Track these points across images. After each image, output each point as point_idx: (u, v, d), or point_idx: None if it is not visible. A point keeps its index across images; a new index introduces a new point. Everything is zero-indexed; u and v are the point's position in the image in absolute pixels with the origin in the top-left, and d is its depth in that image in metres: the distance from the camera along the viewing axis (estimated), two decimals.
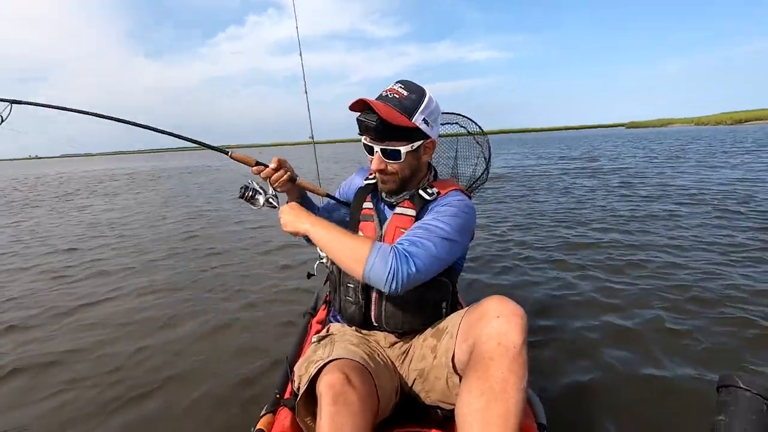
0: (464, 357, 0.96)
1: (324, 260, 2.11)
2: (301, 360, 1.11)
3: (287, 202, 1.21)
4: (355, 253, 0.98)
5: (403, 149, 1.08)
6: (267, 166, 1.21)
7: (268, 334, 2.38)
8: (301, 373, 1.03)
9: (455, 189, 1.17)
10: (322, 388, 0.88)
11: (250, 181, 1.23)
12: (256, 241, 4.73)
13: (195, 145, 1.25)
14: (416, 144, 1.09)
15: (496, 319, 0.90)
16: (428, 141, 1.12)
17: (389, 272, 0.94)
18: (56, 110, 1.17)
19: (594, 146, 22.66)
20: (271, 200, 1.23)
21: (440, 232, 1.03)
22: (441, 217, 1.06)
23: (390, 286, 0.94)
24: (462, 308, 1.11)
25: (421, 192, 1.15)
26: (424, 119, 1.08)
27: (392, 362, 1.15)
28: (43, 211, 8.08)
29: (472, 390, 0.87)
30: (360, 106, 1.07)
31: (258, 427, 1.09)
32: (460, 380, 0.98)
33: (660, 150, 15.82)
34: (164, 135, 1.20)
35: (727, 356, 1.97)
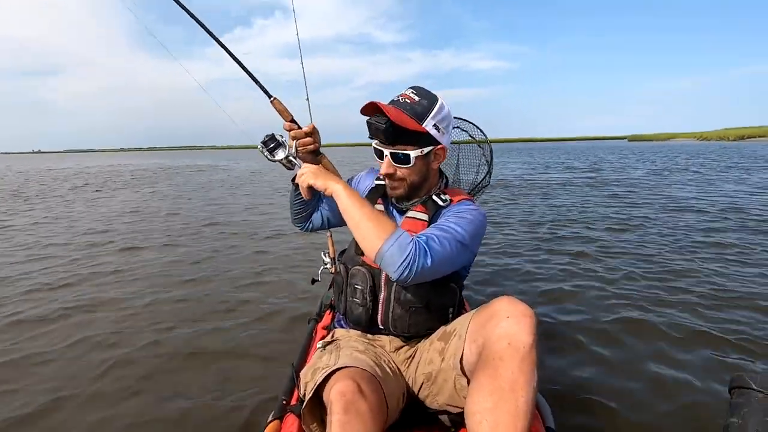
0: (473, 358, 0.96)
1: (328, 266, 2.07)
2: (306, 366, 1.10)
3: None
4: (379, 229, 0.97)
5: (413, 154, 1.08)
6: (300, 128, 1.24)
7: (275, 339, 2.31)
8: (307, 380, 1.02)
9: (467, 198, 1.18)
10: (333, 396, 0.87)
11: (279, 134, 1.23)
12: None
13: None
14: (426, 149, 1.09)
15: (506, 319, 0.90)
16: (438, 147, 1.12)
17: (406, 258, 0.94)
18: None
19: (601, 158, 22.61)
20: (291, 159, 1.22)
21: (456, 235, 1.03)
22: (457, 221, 1.07)
23: (402, 273, 0.94)
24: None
25: (434, 197, 1.16)
26: (434, 125, 1.08)
27: (398, 367, 1.14)
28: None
29: (481, 389, 0.87)
30: (371, 109, 1.08)
31: None
32: (468, 383, 0.98)
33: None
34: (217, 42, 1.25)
35: (739, 357, 1.95)
